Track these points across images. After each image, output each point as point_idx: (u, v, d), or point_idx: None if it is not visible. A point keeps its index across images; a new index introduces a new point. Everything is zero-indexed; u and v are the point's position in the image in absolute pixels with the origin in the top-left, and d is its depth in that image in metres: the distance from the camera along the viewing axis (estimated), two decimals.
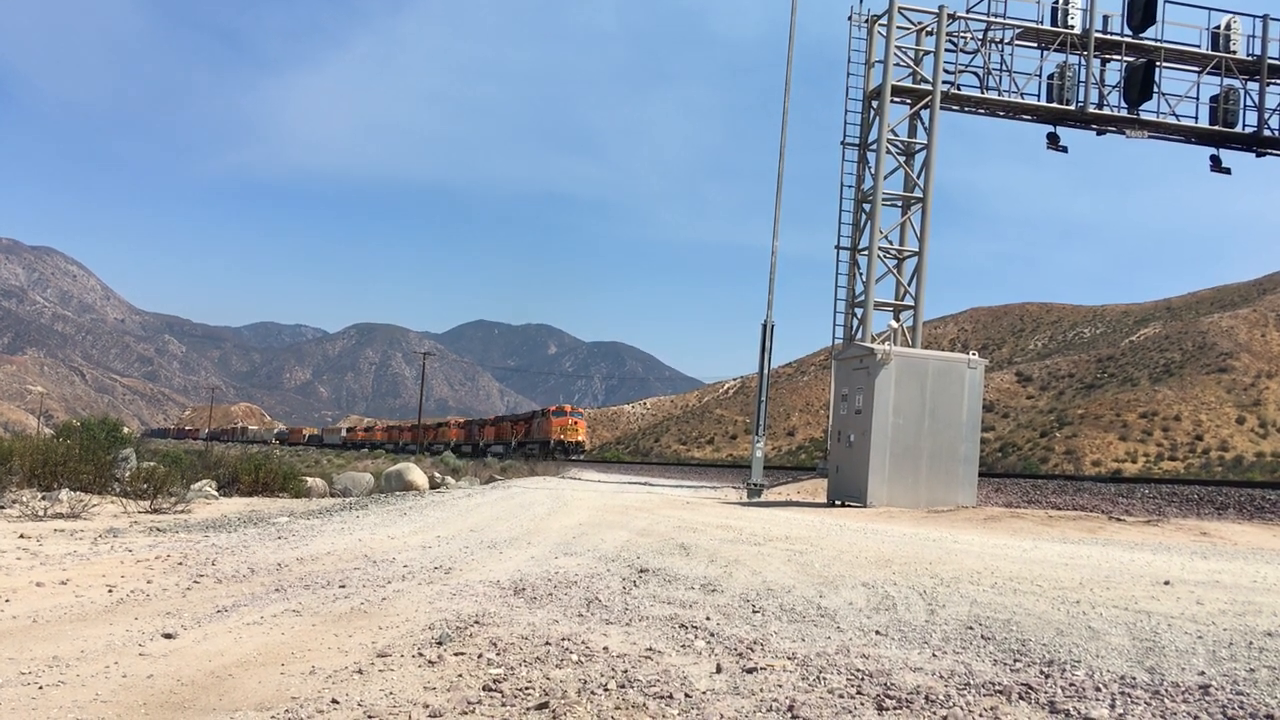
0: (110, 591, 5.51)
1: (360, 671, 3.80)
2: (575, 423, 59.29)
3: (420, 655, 4.03)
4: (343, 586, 5.76)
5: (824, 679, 3.65)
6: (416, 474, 21.45)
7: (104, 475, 13.71)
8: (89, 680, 3.66)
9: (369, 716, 3.26)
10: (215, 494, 15.51)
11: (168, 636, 4.34)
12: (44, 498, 11.22)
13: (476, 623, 4.66)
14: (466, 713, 3.29)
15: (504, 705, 3.37)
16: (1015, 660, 3.93)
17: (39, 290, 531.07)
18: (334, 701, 3.41)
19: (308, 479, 19.18)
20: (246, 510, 12.53)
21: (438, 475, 26.02)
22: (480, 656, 4.00)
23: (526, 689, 3.54)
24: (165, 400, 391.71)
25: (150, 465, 14.82)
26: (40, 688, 3.54)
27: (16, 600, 5.17)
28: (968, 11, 22.30)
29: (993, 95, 22.46)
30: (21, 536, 8.19)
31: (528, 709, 3.32)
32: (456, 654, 4.05)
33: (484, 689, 3.54)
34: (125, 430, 28.63)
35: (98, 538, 8.30)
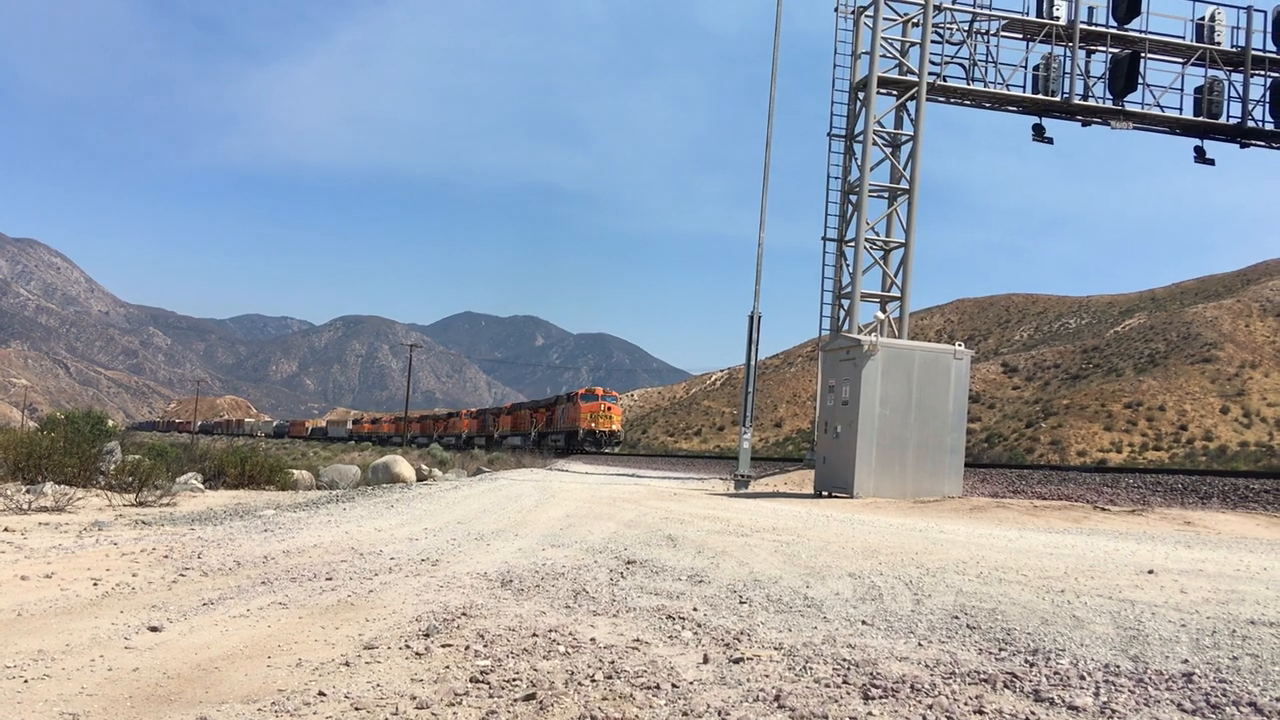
0: (95, 585, 5.47)
1: (347, 664, 3.80)
2: (609, 409, 50.49)
3: (407, 647, 4.03)
4: (329, 579, 5.74)
5: (810, 669, 3.67)
6: (403, 466, 21.41)
7: (89, 468, 13.62)
8: (74, 674, 3.64)
9: (356, 708, 3.25)
10: (201, 487, 15.45)
11: (153, 630, 4.32)
12: (28, 491, 11.14)
13: (464, 615, 4.66)
14: (454, 704, 3.29)
15: (491, 696, 3.37)
16: (1000, 649, 3.95)
17: (22, 283, 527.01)
18: (321, 694, 3.40)
19: (294, 472, 19.10)
20: (232, 503, 12.48)
21: (425, 467, 25.98)
22: (467, 648, 4.00)
23: (514, 680, 3.54)
24: (150, 393, 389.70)
25: (135, 458, 14.74)
26: (25, 681, 3.52)
27: (0, 594, 5.14)
28: (954, 3, 22.36)
29: (978, 87, 22.53)
30: (5, 530, 8.13)
31: (515, 700, 3.32)
32: (444, 646, 4.05)
33: (471, 680, 3.54)
34: (110, 423, 28.46)
35: (83, 531, 8.25)
